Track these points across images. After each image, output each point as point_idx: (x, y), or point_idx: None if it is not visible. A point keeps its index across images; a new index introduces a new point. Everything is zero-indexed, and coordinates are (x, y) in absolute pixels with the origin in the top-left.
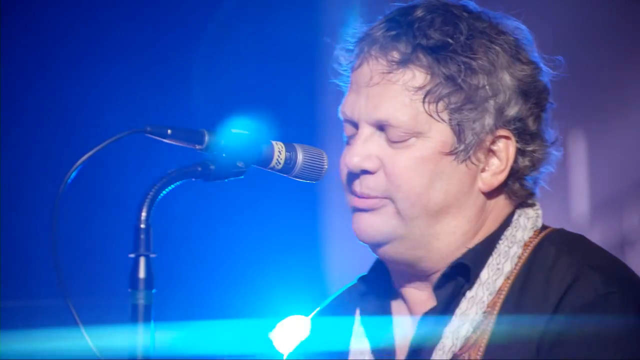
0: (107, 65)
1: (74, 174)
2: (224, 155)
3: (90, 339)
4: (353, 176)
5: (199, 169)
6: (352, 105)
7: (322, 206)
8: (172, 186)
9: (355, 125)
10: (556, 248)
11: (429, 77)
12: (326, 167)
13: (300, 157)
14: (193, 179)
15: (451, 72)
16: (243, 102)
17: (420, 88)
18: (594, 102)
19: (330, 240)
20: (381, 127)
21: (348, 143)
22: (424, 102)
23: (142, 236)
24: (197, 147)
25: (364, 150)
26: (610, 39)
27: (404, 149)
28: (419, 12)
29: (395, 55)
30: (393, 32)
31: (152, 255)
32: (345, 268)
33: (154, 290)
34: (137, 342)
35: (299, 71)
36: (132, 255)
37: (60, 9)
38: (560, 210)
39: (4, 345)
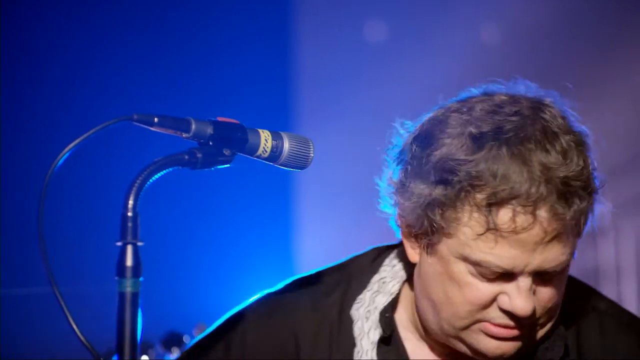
0: (97, 55)
1: (60, 161)
2: (210, 143)
3: (77, 326)
4: (505, 314)
5: (186, 157)
6: (514, 260)
7: (293, 194)
8: (160, 174)
9: (509, 274)
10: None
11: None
12: (312, 155)
13: (286, 145)
14: (180, 167)
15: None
16: (216, 90)
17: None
18: (566, 90)
19: (302, 227)
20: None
21: (484, 278)
22: (579, 236)
23: (130, 224)
24: (184, 135)
25: (531, 299)
26: (585, 27)
27: (556, 276)
28: (562, 155)
29: (568, 214)
30: (555, 190)
31: (140, 244)
32: (316, 256)
33: (141, 278)
34: (125, 329)
35: (271, 57)
36: (119, 244)
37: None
38: None
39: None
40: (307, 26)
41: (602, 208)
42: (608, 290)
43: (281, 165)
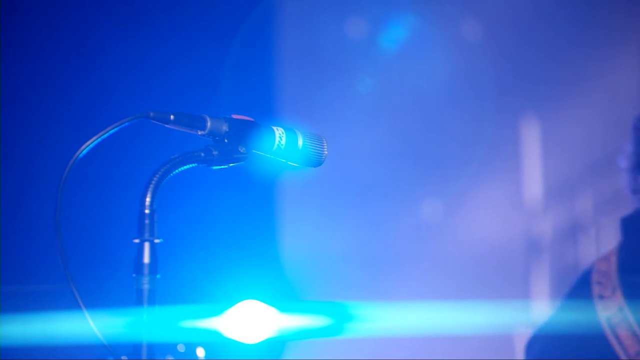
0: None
1: (78, 159)
2: (225, 141)
3: (93, 323)
4: None
5: (202, 154)
6: None
7: (278, 191)
8: (176, 171)
9: None
10: None
11: None
12: (326, 152)
13: (300, 142)
14: (196, 165)
15: None
16: (198, 84)
17: None
18: (547, 87)
19: (286, 224)
20: None
21: None
22: None
23: (147, 221)
24: (199, 132)
25: None
26: (564, 25)
27: None
28: None
29: None
30: None
31: (157, 241)
32: (301, 254)
33: (158, 276)
34: (142, 326)
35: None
36: (136, 241)
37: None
38: (513, 194)
39: (5, 330)
40: (290, 22)
41: (584, 204)
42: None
43: (295, 162)
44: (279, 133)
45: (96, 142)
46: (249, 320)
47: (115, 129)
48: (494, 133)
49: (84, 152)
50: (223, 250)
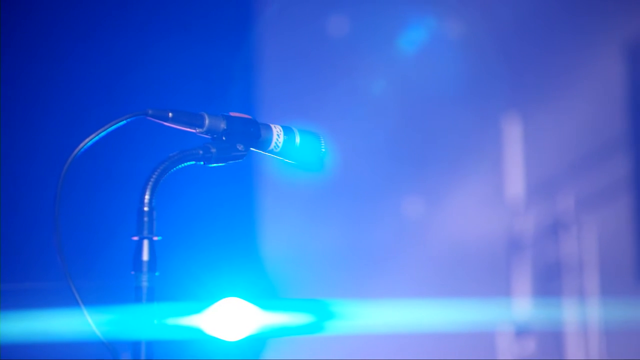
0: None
1: (76, 157)
2: (223, 138)
3: (92, 321)
4: None
5: (201, 152)
6: None
7: (259, 189)
8: (175, 169)
9: None
10: None
11: None
12: (324, 150)
13: (297, 140)
14: (194, 162)
15: None
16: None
17: None
18: (529, 84)
19: (267, 222)
20: None
21: None
22: None
23: (146, 219)
24: (198, 130)
25: None
26: (546, 25)
27: None
28: None
29: None
30: None
31: (156, 238)
32: (283, 252)
33: (157, 273)
34: (141, 323)
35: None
36: (135, 238)
37: None
38: (495, 192)
39: (5, 327)
40: (270, 20)
41: (565, 202)
42: (571, 284)
43: (292, 160)
44: (277, 131)
45: (95, 139)
46: (230, 318)
47: (114, 126)
48: (476, 131)
49: (83, 149)
50: (204, 248)
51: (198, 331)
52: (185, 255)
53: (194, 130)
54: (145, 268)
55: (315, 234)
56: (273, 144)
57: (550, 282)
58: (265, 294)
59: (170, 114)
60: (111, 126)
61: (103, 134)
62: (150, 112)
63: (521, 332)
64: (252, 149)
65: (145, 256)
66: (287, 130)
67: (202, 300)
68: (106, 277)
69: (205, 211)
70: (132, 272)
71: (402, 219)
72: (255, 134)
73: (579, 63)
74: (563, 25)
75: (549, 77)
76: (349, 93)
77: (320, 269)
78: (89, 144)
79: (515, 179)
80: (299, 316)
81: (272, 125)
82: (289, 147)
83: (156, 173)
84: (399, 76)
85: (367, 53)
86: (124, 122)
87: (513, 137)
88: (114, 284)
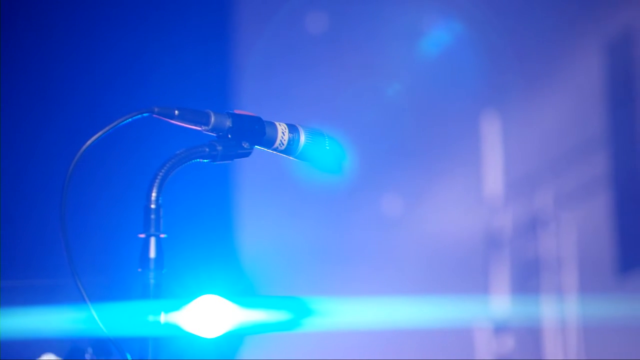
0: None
1: (83, 154)
2: (229, 136)
3: (99, 317)
4: None
5: (207, 149)
6: None
7: (236, 186)
8: (181, 167)
9: None
10: None
11: None
12: (328, 147)
13: (302, 138)
14: (200, 160)
15: None
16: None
17: None
18: (508, 81)
19: (245, 220)
20: None
21: None
22: None
23: (153, 216)
24: (203, 128)
25: None
26: (524, 22)
27: None
28: None
29: None
30: None
31: (162, 236)
32: (260, 249)
33: (164, 270)
34: (148, 320)
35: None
36: (142, 236)
37: None
38: (474, 189)
39: (6, 323)
40: (249, 16)
41: (544, 199)
42: (549, 281)
43: (297, 157)
44: (282, 128)
45: (101, 136)
46: (208, 315)
47: (120, 124)
48: (455, 128)
49: (90, 147)
50: (182, 245)
51: (176, 328)
52: (164, 253)
53: (199, 128)
54: (152, 265)
55: (294, 231)
56: (278, 141)
57: (528, 279)
58: (244, 291)
59: (176, 112)
60: (118, 124)
61: (110, 131)
62: (156, 109)
63: (499, 329)
64: (257, 146)
65: (152, 253)
66: (292, 128)
67: (181, 297)
68: (112, 274)
69: (183, 209)
70: (139, 270)
71: (381, 216)
72: (261, 131)
73: (558, 60)
74: (542, 22)
75: (528, 74)
76: (328, 91)
77: (299, 266)
78: (96, 141)
79: (494, 176)
80: (277, 313)
81: (277, 123)
82: (294, 145)
83: (163, 170)
84: (378, 74)
85: (346, 50)
86: (131, 119)
87: (492, 134)
88: (120, 281)
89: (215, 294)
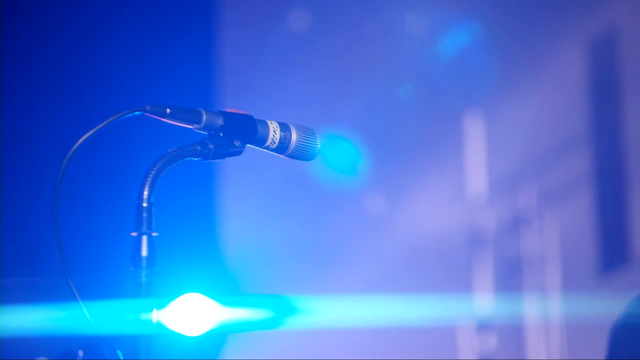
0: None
1: (75, 152)
2: (221, 134)
3: (90, 315)
4: None
5: (199, 148)
6: None
7: (219, 184)
8: (172, 165)
9: None
10: None
11: None
12: (319, 146)
13: (294, 136)
14: (192, 158)
15: None
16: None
17: None
18: (491, 81)
19: (227, 217)
20: None
21: None
22: None
23: (145, 215)
24: (195, 126)
25: None
26: (507, 20)
27: None
28: None
29: None
30: None
31: (154, 234)
32: (243, 247)
33: (156, 268)
34: (140, 319)
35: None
36: (134, 234)
37: None
38: (457, 187)
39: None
40: (232, 15)
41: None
42: (532, 279)
43: (289, 156)
44: (273, 127)
45: (93, 135)
46: (190, 313)
47: (112, 122)
48: (438, 126)
49: (81, 145)
50: (164, 243)
51: (159, 327)
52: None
53: (191, 127)
54: (144, 263)
55: (277, 229)
56: (269, 140)
57: (511, 277)
58: (226, 290)
59: (167, 110)
60: (109, 122)
61: (101, 129)
62: (148, 108)
63: (482, 327)
64: (248, 145)
65: (144, 252)
66: (283, 126)
67: (164, 296)
68: (104, 272)
69: (165, 208)
70: (131, 268)
71: (364, 215)
72: (252, 130)
73: (541, 59)
74: (525, 21)
75: (511, 73)
76: (310, 89)
77: (282, 264)
78: (88, 139)
79: (477, 175)
80: (260, 311)
81: (269, 122)
82: (286, 143)
83: (155, 169)
84: (359, 72)
85: (327, 49)
86: (122, 117)
87: (475, 132)
88: (111, 279)
89: (198, 292)
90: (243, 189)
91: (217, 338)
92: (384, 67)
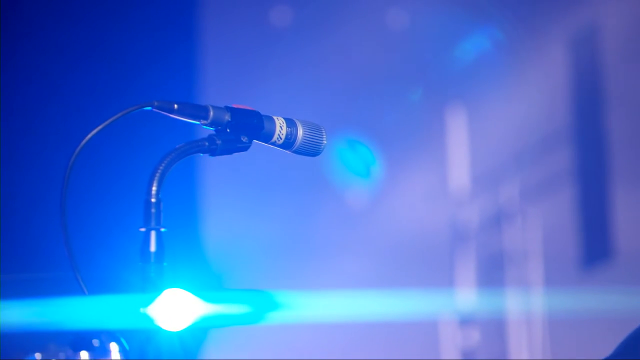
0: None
1: (82, 148)
2: (228, 130)
3: (98, 310)
4: None
5: (206, 143)
6: None
7: (201, 179)
8: (180, 160)
9: None
10: None
11: None
12: (325, 142)
13: (300, 132)
14: (200, 154)
15: None
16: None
17: None
18: (474, 75)
19: (210, 214)
20: None
21: None
22: None
23: (153, 210)
24: (202, 122)
25: None
26: (491, 15)
27: None
28: None
29: None
30: None
31: (163, 229)
32: (225, 243)
33: (164, 263)
34: (148, 314)
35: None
36: (142, 229)
37: None
38: (439, 182)
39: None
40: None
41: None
42: (515, 274)
43: (295, 152)
44: (279, 123)
45: (101, 130)
46: (172, 308)
47: (120, 117)
48: (420, 121)
49: (89, 140)
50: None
51: (140, 322)
52: (128, 246)
53: (198, 122)
54: (153, 259)
55: (258, 224)
56: (276, 136)
57: (494, 272)
58: (208, 285)
59: (175, 106)
60: (118, 117)
61: (109, 124)
62: (156, 103)
63: (465, 322)
64: (255, 140)
65: (152, 247)
66: (289, 122)
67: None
68: (112, 268)
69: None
70: (140, 263)
71: (345, 210)
72: (259, 125)
73: (524, 54)
74: (508, 16)
75: (493, 68)
76: (293, 84)
77: (263, 259)
78: (96, 134)
79: (459, 170)
80: (242, 306)
81: (275, 118)
82: (292, 139)
83: (163, 164)
84: (341, 66)
85: (308, 42)
86: (131, 112)
87: (457, 127)
88: (120, 275)
89: (179, 287)
90: (225, 184)
91: (198, 333)
92: (366, 62)
